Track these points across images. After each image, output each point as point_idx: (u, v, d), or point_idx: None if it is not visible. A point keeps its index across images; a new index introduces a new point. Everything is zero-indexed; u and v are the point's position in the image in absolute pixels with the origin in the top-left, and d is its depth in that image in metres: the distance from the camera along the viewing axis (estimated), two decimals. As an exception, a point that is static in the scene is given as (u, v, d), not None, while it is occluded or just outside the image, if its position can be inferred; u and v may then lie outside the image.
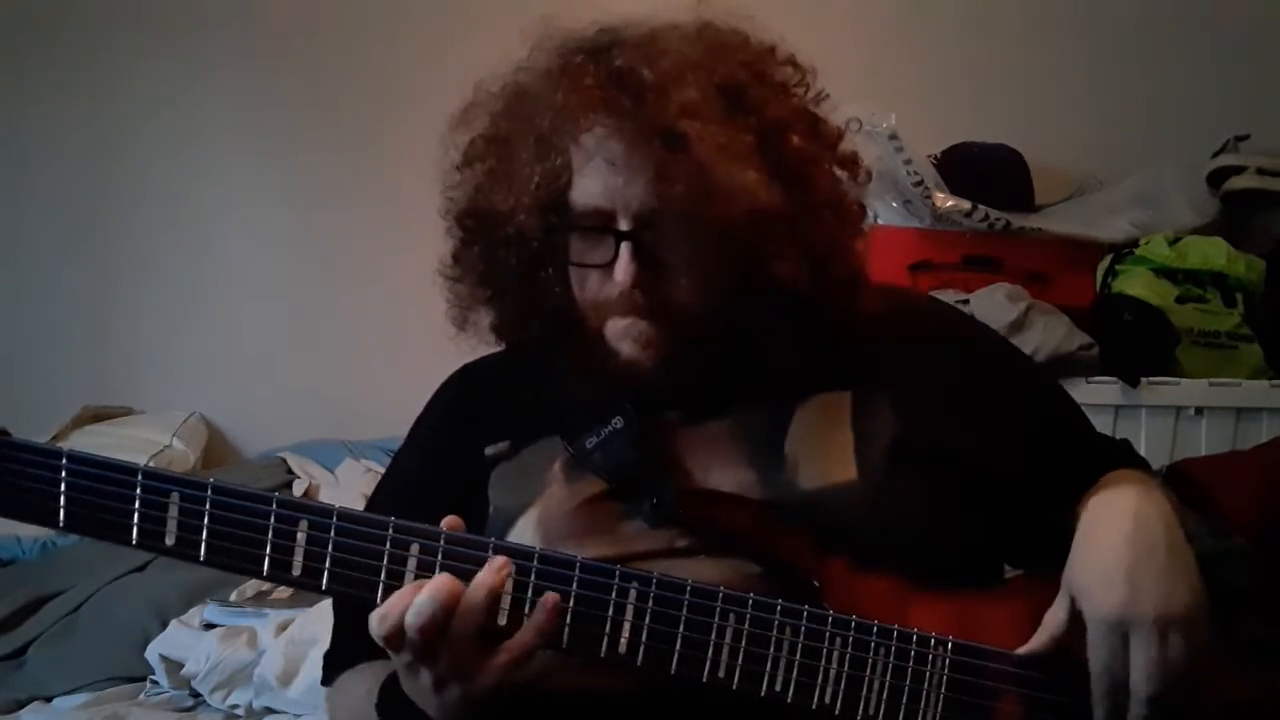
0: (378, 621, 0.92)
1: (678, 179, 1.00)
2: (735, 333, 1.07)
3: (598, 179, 1.03)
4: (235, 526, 0.95)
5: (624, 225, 1.03)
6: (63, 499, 0.95)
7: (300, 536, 0.95)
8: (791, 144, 1.06)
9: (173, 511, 0.95)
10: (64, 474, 0.95)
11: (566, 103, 1.03)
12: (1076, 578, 0.98)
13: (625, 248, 1.03)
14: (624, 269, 1.03)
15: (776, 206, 1.02)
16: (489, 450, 1.14)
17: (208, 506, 0.95)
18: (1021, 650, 0.99)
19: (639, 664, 0.96)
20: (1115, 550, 0.96)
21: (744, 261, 1.04)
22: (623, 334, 1.06)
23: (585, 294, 1.08)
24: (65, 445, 0.98)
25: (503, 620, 0.94)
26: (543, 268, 1.09)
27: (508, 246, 1.09)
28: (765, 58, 1.10)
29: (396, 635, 0.91)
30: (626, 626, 0.96)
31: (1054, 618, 0.98)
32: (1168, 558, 0.95)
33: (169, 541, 0.95)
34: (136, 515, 0.95)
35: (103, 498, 0.95)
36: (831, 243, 1.07)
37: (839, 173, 1.10)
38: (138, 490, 0.95)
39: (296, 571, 0.95)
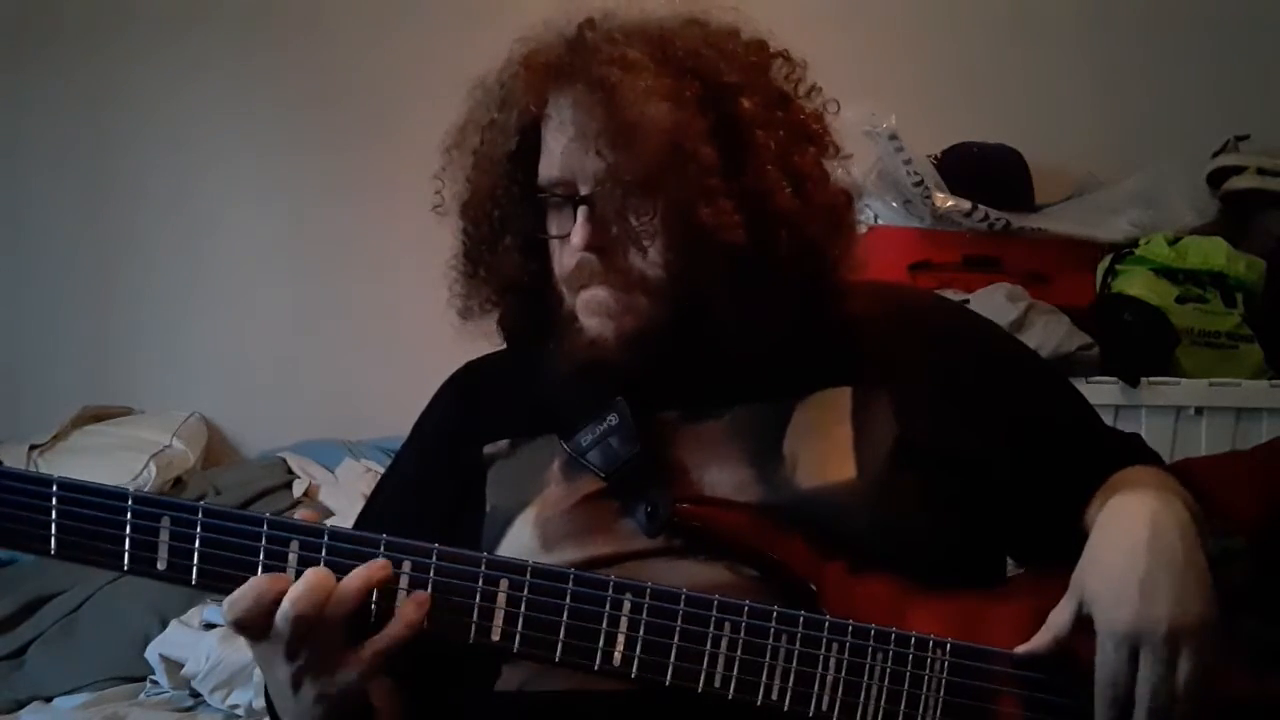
0: (246, 602, 0.91)
1: (600, 123, 1.01)
2: (697, 308, 1.05)
3: (554, 147, 1.05)
4: (226, 549, 0.95)
5: (583, 190, 1.05)
6: (54, 527, 0.94)
7: (292, 558, 0.95)
8: (741, 107, 1.05)
9: (164, 536, 0.95)
10: (54, 501, 0.94)
11: (525, 72, 1.07)
12: (1088, 584, 0.96)
13: (581, 211, 1.04)
14: (578, 231, 1.04)
15: (708, 157, 1.02)
16: (488, 449, 1.14)
17: (199, 530, 0.95)
18: (1022, 649, 0.98)
19: (633, 676, 0.95)
20: (1130, 559, 0.94)
21: (681, 215, 1.03)
22: (586, 307, 1.06)
23: (558, 271, 1.09)
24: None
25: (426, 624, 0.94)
26: (504, 235, 1.10)
27: (484, 221, 1.11)
28: (750, 48, 1.10)
29: (261, 621, 0.91)
30: (620, 639, 0.95)
31: (1058, 618, 0.97)
32: (1183, 570, 0.93)
33: (161, 566, 0.95)
34: (128, 541, 0.95)
35: (94, 524, 0.95)
36: (771, 200, 1.05)
37: (810, 149, 1.09)
38: (128, 515, 0.95)
39: None
